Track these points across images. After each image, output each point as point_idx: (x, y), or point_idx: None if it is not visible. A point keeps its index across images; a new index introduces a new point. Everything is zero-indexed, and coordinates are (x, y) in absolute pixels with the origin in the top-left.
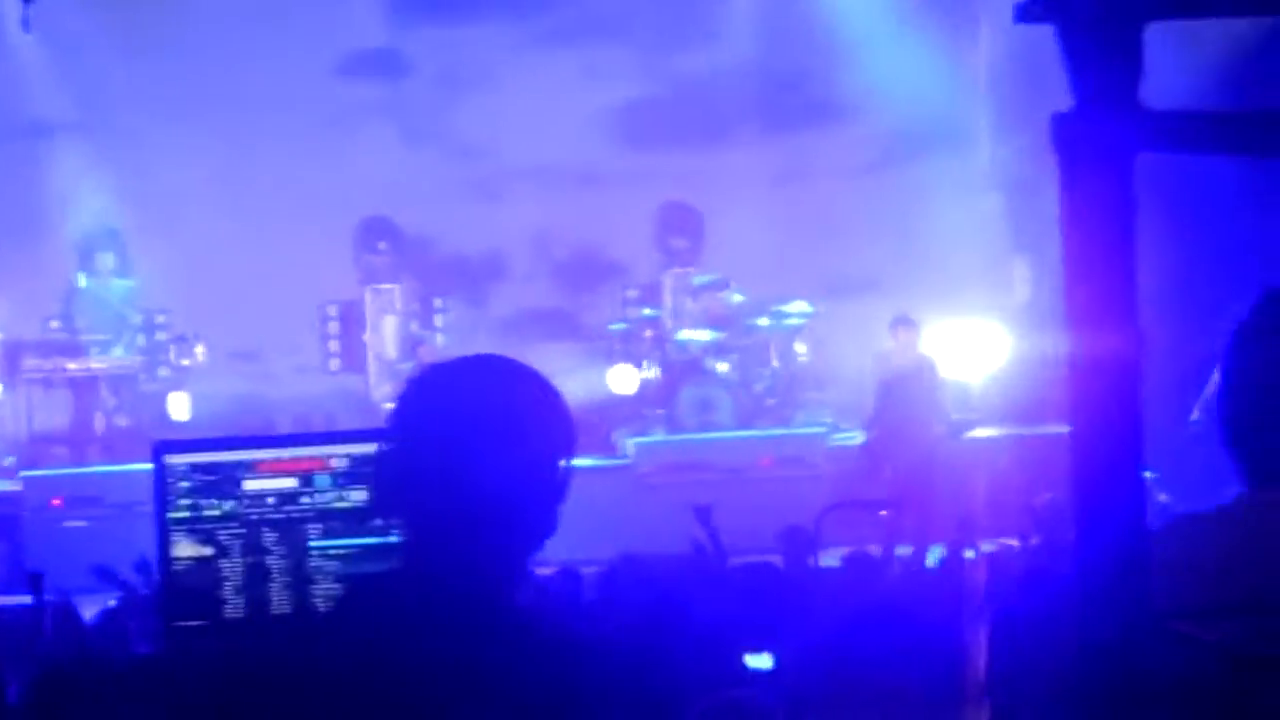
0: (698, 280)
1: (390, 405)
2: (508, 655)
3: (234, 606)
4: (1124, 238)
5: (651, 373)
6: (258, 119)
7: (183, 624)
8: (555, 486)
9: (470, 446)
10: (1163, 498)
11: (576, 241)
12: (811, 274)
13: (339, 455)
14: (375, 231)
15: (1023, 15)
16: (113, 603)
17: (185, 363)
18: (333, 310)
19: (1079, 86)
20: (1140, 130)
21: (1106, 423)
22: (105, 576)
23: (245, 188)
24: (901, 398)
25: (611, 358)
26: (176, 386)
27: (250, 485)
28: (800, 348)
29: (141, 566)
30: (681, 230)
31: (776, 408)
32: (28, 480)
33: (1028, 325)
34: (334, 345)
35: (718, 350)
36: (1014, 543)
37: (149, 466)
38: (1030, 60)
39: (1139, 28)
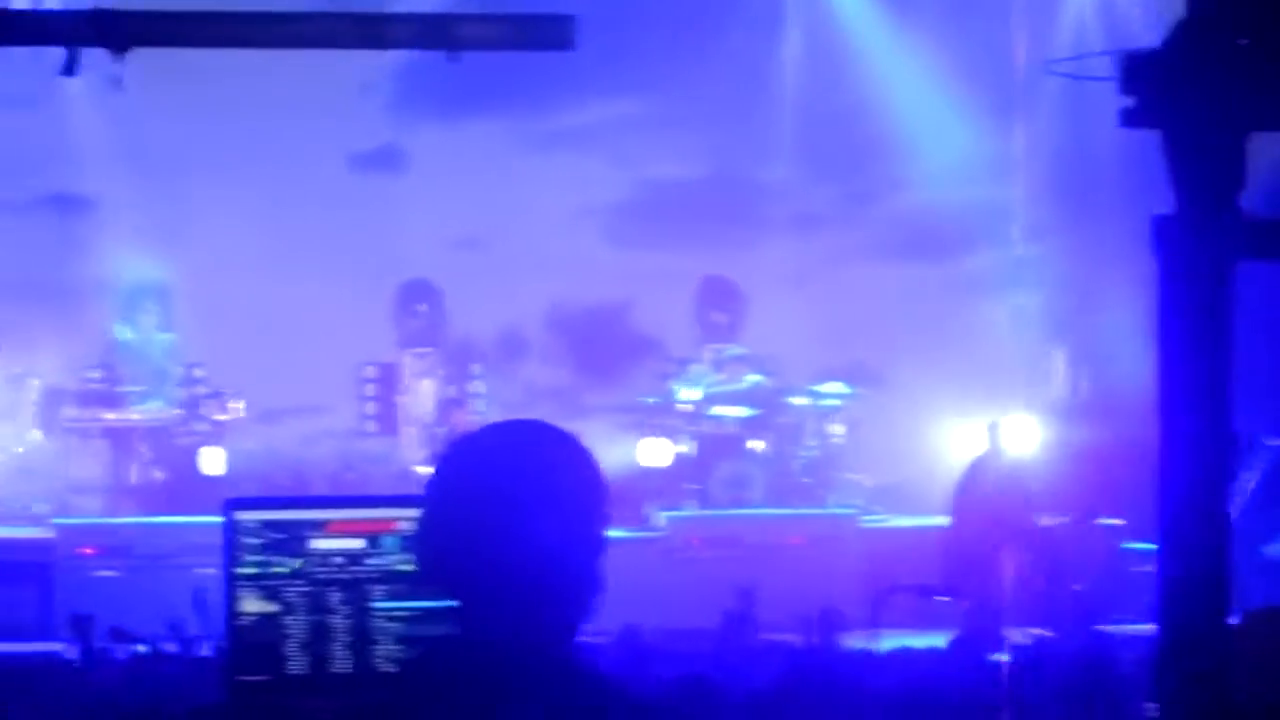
0: (730, 352)
1: (426, 468)
2: (571, 713)
3: (297, 663)
4: (1219, 341)
5: (686, 447)
6: (300, 178)
7: (246, 678)
8: (597, 546)
9: (514, 508)
10: None
11: (608, 315)
12: (846, 359)
13: (406, 518)
14: (415, 294)
15: (1128, 120)
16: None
17: (221, 417)
18: (371, 371)
19: (1181, 191)
20: (1240, 237)
21: (1194, 528)
22: (121, 636)
23: (287, 245)
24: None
25: (644, 431)
26: (211, 441)
27: (318, 544)
28: (836, 429)
29: (198, 606)
30: (722, 305)
31: (810, 487)
32: (60, 528)
33: (1064, 418)
34: (370, 407)
35: (754, 427)
36: (1046, 633)
37: (181, 519)
38: (1075, 155)
39: (1243, 136)
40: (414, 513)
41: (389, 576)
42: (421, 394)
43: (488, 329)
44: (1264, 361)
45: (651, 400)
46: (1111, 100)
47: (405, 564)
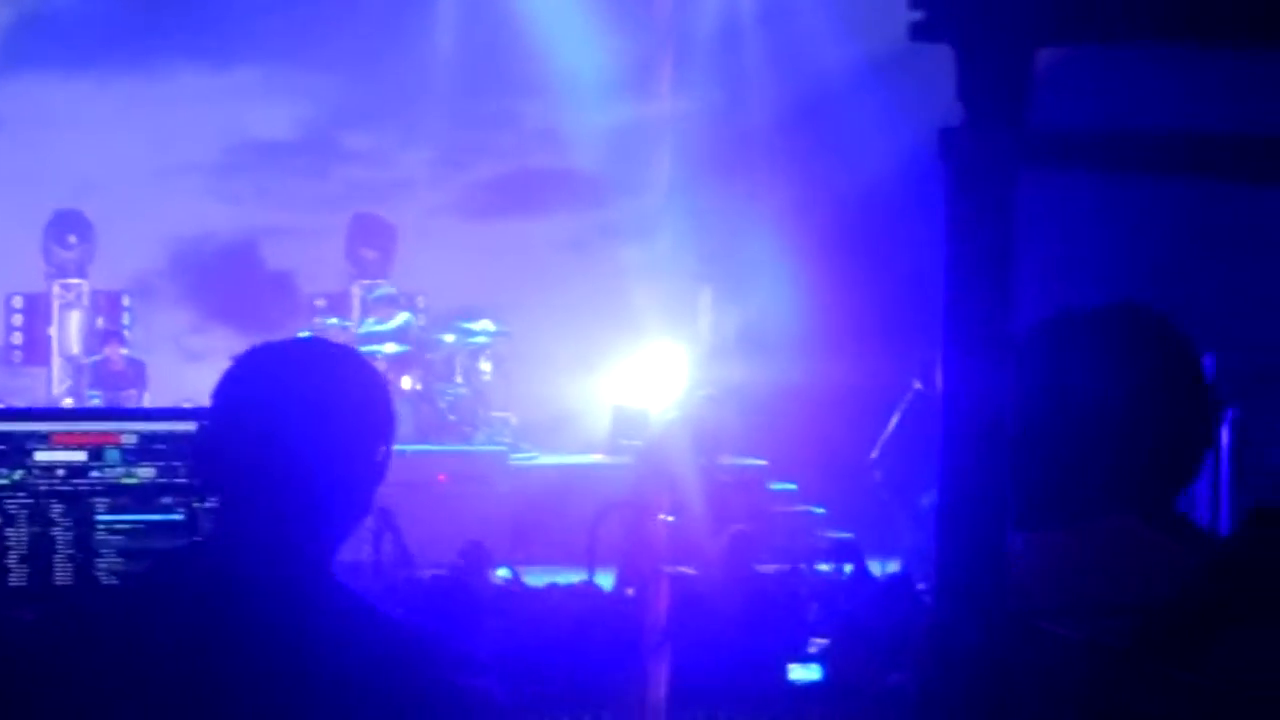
0: (377, 293)
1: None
2: (320, 627)
3: (17, 575)
4: (1002, 252)
5: None
6: None
7: None
8: (373, 470)
9: (291, 425)
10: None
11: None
12: (499, 297)
13: (129, 432)
14: (66, 225)
15: (917, 34)
16: None
17: None
18: (18, 302)
19: (968, 104)
20: (1023, 147)
21: (975, 434)
22: None
23: None
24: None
25: None
26: None
27: (40, 457)
28: (485, 366)
29: None
30: (371, 242)
31: (457, 424)
32: None
33: (711, 356)
34: (17, 338)
35: (403, 364)
36: (690, 570)
37: None
38: (727, 105)
39: (1029, 50)
40: (137, 426)
41: (112, 489)
42: (70, 326)
43: (130, 266)
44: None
45: (304, 335)
46: (763, 49)
47: (129, 478)
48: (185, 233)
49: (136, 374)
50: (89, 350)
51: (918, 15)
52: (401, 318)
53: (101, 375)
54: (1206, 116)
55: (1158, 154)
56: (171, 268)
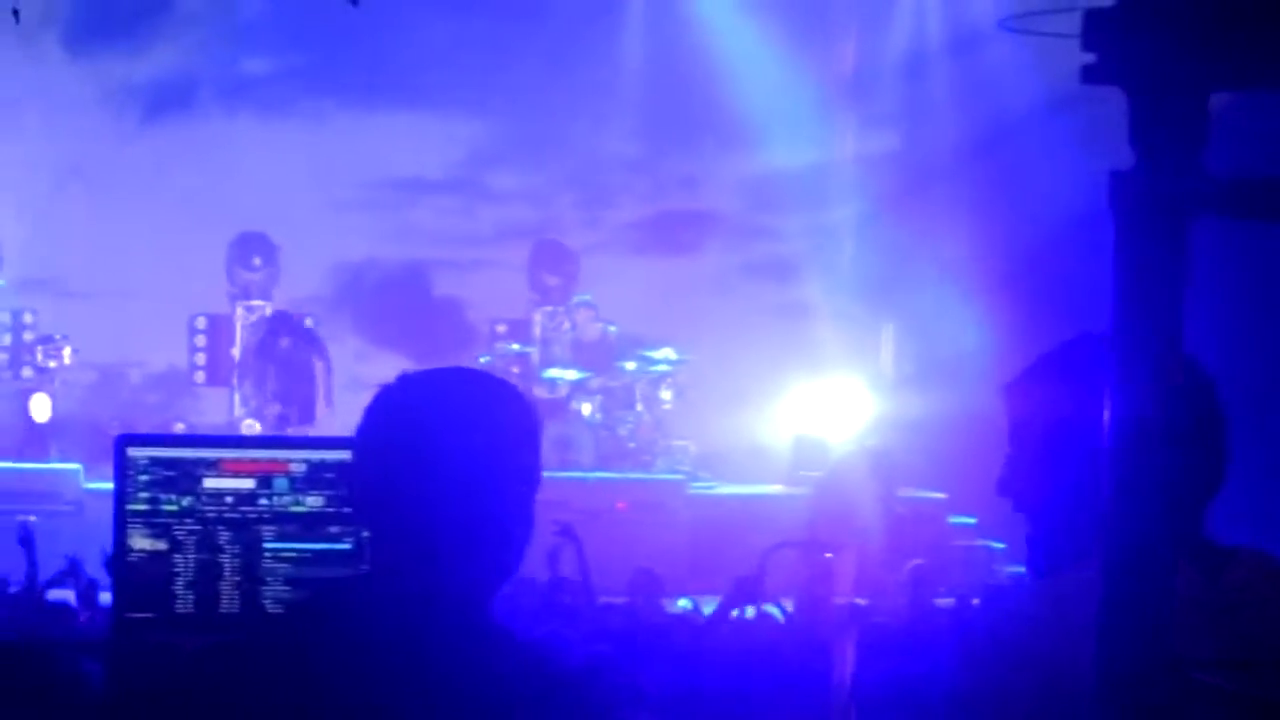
0: (576, 299)
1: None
2: (478, 663)
3: (184, 602)
4: (1173, 300)
5: None
6: (131, 122)
7: (133, 615)
8: (524, 502)
9: (439, 457)
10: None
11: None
12: (677, 329)
13: (298, 460)
14: (251, 247)
15: (1088, 76)
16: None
17: (51, 364)
18: (201, 323)
19: (1139, 148)
20: (1199, 194)
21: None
22: None
23: (119, 193)
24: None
25: None
26: (40, 387)
27: (210, 484)
28: (665, 394)
29: (26, 546)
30: (555, 269)
31: (637, 452)
32: None
33: (892, 390)
34: (200, 358)
35: (583, 391)
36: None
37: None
38: (909, 135)
39: (1204, 95)
40: (305, 454)
41: (279, 517)
42: (252, 346)
43: (315, 287)
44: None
45: (484, 360)
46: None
47: (296, 506)
48: (352, 260)
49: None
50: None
51: (1090, 58)
52: (589, 338)
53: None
54: None
55: None
56: (338, 295)
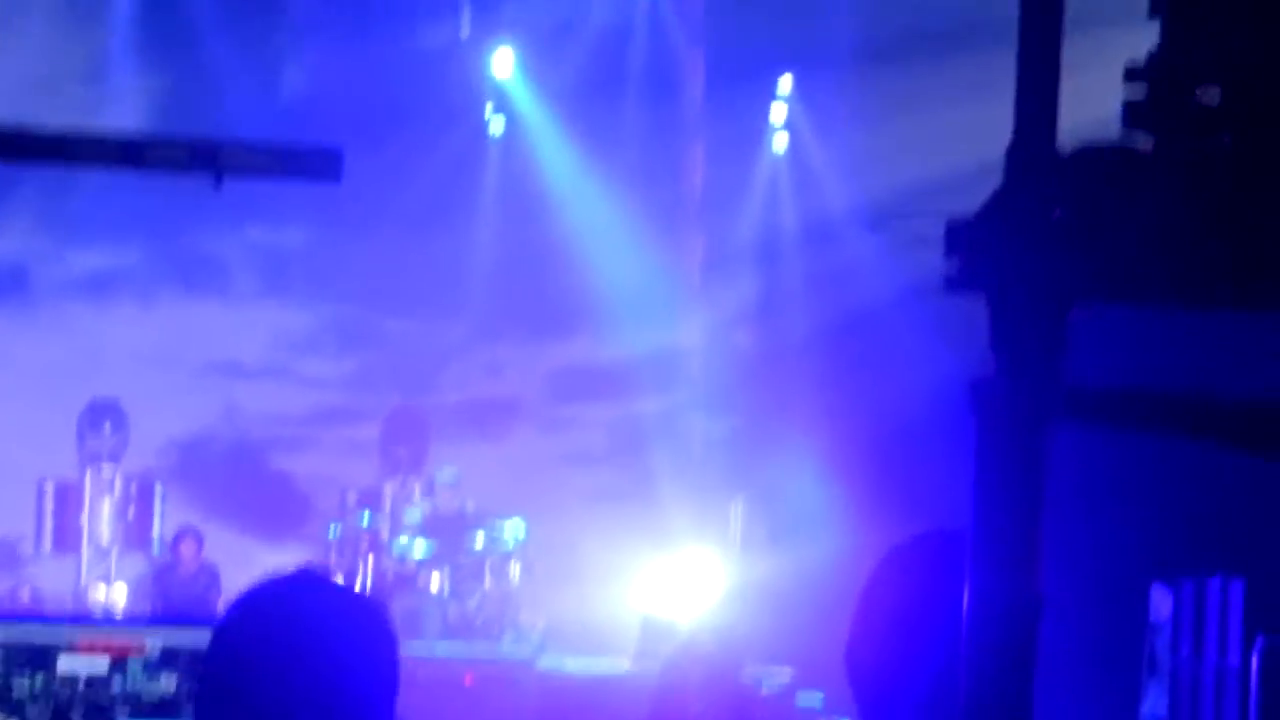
0: (441, 477)
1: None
2: None
3: None
4: (1033, 503)
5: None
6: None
7: None
8: (386, 708)
9: (300, 674)
10: None
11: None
12: (530, 494)
13: (152, 639)
14: (100, 413)
15: (950, 285)
16: None
17: None
18: (49, 488)
19: (1000, 355)
20: (1059, 404)
21: (1000, 680)
22: None
23: None
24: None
25: (327, 564)
26: None
27: (64, 664)
28: (514, 569)
29: None
30: (405, 439)
31: (485, 626)
32: None
33: (742, 561)
34: (48, 524)
35: (432, 563)
36: None
37: None
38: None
39: (1066, 306)
40: (162, 633)
41: (132, 699)
42: (102, 513)
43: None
44: None
45: (335, 527)
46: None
47: (150, 689)
48: (191, 431)
49: (211, 581)
50: (115, 539)
51: (952, 265)
52: (429, 513)
53: (168, 579)
54: (1250, 380)
55: (1184, 419)
56: (182, 464)
